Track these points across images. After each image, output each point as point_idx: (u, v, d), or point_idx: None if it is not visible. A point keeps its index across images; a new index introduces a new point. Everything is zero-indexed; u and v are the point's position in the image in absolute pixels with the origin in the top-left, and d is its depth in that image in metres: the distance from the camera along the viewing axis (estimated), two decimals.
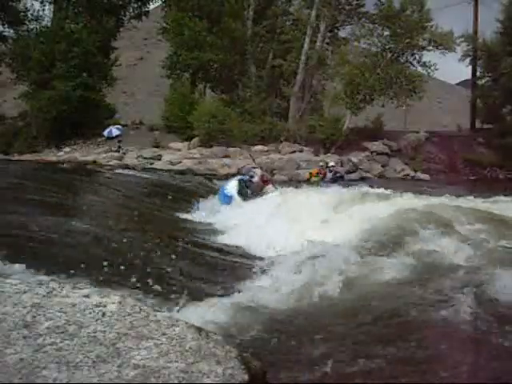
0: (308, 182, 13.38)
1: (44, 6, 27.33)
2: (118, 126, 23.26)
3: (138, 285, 3.85)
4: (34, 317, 1.80)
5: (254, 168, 9.42)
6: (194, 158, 19.24)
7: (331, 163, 14.25)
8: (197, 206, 8.88)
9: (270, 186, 8.99)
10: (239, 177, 9.04)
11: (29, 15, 27.21)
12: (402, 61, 23.40)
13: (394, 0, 23.17)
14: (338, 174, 13.51)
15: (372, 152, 22.05)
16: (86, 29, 24.25)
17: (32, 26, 26.65)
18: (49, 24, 26.46)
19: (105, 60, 25.83)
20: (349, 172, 13.02)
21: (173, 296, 3.69)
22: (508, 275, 4.36)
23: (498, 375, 2.91)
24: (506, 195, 9.79)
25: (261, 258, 5.74)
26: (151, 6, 30.44)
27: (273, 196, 8.40)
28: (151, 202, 9.66)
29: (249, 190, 8.62)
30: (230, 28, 24.43)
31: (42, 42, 24.34)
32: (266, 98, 24.70)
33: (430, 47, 22.95)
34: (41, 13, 27.27)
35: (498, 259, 5.11)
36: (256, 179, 8.82)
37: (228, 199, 8.53)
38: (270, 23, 25.32)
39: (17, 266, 3.57)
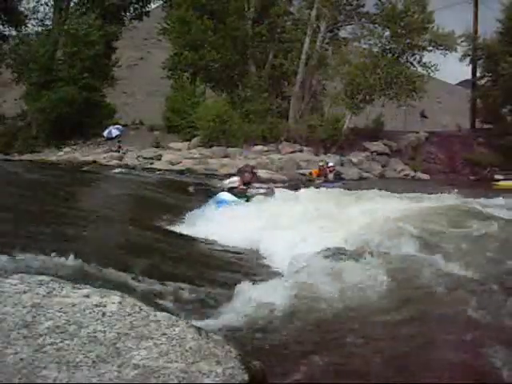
0: (310, 181, 13.60)
1: (51, 9, 27.33)
2: (118, 126, 23.27)
3: (138, 285, 3.84)
4: (34, 317, 1.79)
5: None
6: (194, 158, 19.27)
7: (330, 164, 14.44)
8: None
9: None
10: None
11: (37, 16, 27.28)
12: (403, 61, 23.38)
13: (395, 0, 23.16)
14: (341, 175, 13.78)
15: (372, 152, 22.07)
16: (98, 31, 24.19)
17: (37, 29, 26.75)
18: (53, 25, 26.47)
19: (106, 61, 25.87)
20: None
21: (173, 296, 3.69)
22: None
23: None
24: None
25: (262, 258, 5.73)
26: (152, 6, 30.52)
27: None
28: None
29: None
30: (234, 27, 24.38)
31: (45, 44, 24.33)
32: (267, 98, 24.69)
33: (431, 47, 22.94)
34: (48, 15, 27.34)
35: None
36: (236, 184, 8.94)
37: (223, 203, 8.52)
38: (270, 23, 25.30)
39: (16, 264, 3.56)
